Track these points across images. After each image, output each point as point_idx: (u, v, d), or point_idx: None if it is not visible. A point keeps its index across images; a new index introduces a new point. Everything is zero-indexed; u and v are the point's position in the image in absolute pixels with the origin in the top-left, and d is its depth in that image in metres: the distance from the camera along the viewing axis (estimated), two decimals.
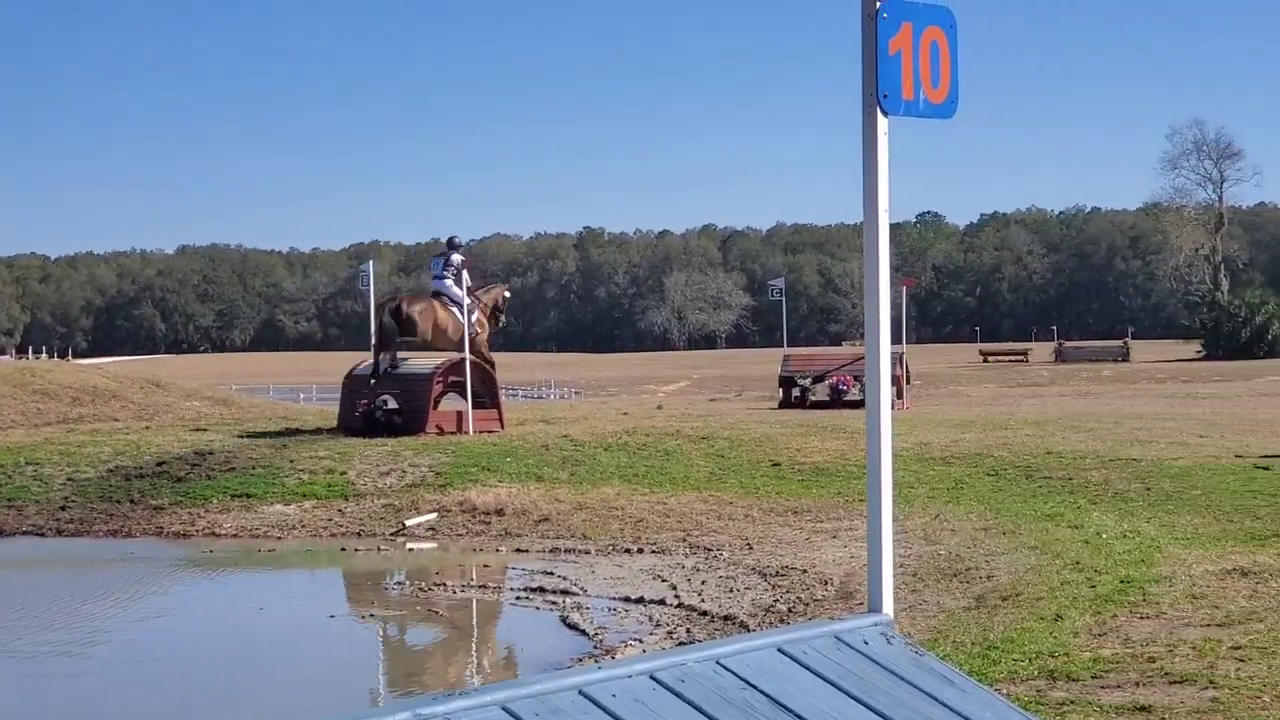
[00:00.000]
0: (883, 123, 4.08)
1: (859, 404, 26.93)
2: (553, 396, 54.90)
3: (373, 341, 24.45)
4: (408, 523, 18.06)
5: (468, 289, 25.08)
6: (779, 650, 3.68)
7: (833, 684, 3.62)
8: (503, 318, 27.34)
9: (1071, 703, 7.80)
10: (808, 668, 3.65)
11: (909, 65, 4.06)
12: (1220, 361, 67.86)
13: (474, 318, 24.79)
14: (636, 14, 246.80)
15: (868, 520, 4.20)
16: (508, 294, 27.74)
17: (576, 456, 21.21)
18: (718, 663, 3.54)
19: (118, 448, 22.49)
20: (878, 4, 3.98)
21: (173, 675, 11.69)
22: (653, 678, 3.42)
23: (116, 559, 17.06)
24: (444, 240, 27.00)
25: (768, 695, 3.49)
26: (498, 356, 27.14)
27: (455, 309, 24.66)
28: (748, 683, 3.51)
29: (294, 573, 16.81)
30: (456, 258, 25.54)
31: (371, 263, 29.49)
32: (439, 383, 24.75)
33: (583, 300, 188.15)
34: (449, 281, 25.07)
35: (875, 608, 4.06)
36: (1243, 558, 12.12)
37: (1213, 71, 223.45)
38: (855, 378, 30.63)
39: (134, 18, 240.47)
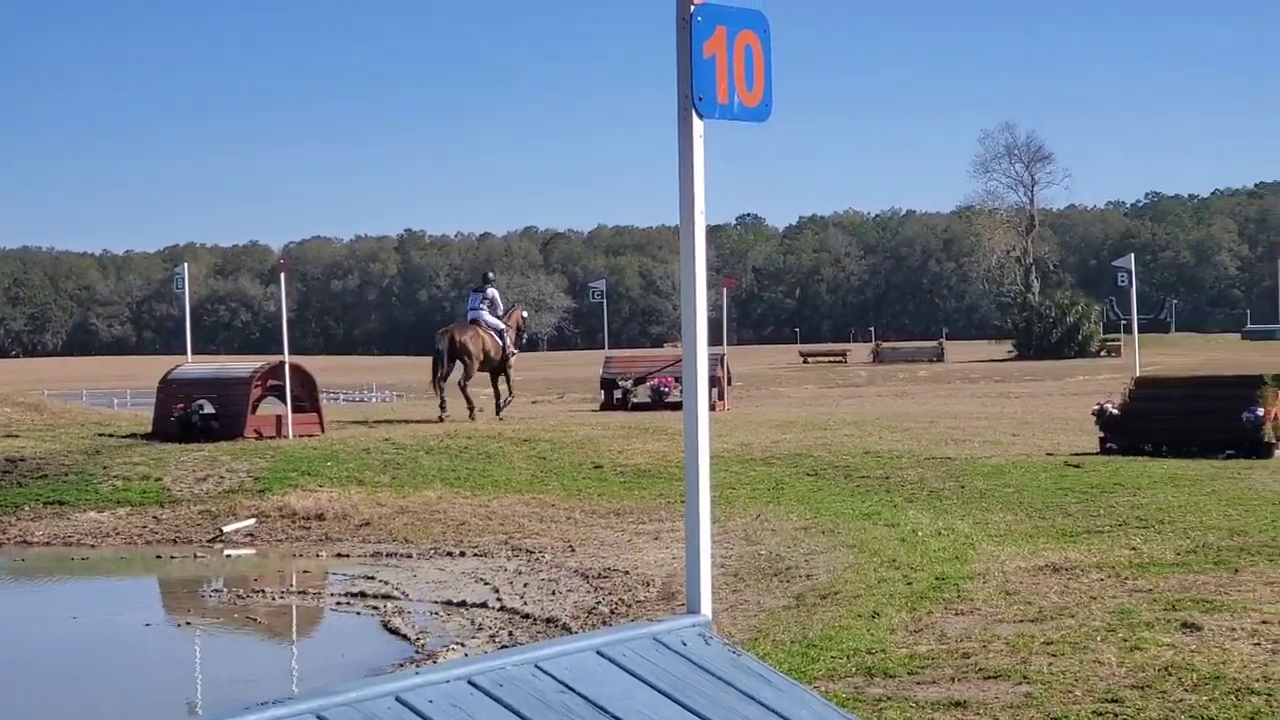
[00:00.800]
0: (698, 126, 4.11)
1: (680, 406, 27.03)
2: (374, 399, 54.44)
3: (432, 366, 28.13)
4: (225, 529, 17.77)
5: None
6: (597, 653, 3.68)
7: (651, 685, 3.63)
8: (524, 335, 31.25)
9: (888, 699, 7.91)
10: (626, 669, 3.66)
11: (723, 69, 4.08)
12: (1032, 361, 69.39)
13: (509, 339, 28.88)
14: (456, 18, 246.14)
15: (685, 523, 4.21)
16: (525, 314, 31.36)
17: (398, 460, 21.05)
18: (536, 666, 3.53)
19: None
20: (692, 8, 4.00)
21: None
22: (470, 682, 3.40)
23: None
24: (481, 276, 31.30)
25: (586, 698, 3.49)
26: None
27: (493, 333, 28.52)
28: (566, 686, 3.50)
29: (109, 581, 16.44)
30: (491, 291, 29.29)
31: (186, 265, 28.96)
32: (257, 386, 24.46)
33: (404, 303, 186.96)
34: (484, 312, 28.77)
35: (694, 609, 4.08)
36: (1054, 554, 12.39)
37: (1023, 76, 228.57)
38: (676, 379, 30.73)
39: None
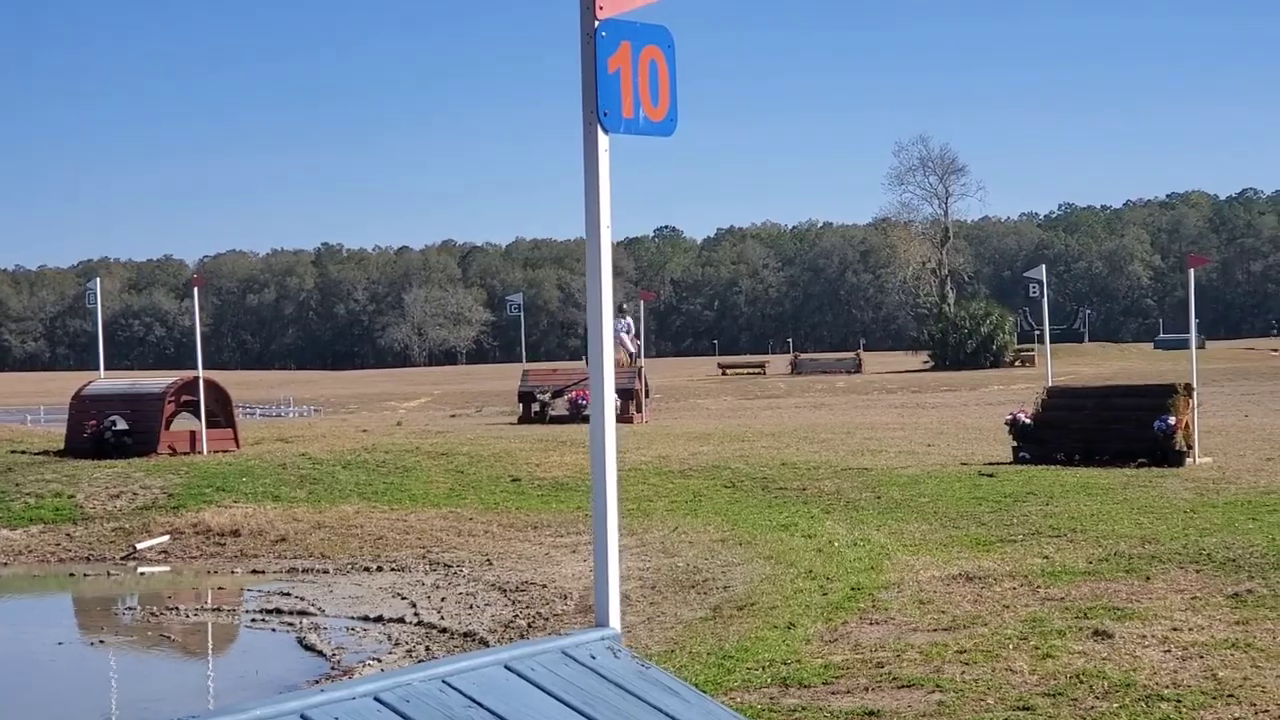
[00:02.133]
0: (603, 140, 4.12)
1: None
2: (291, 414, 54.08)
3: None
4: (139, 546, 17.59)
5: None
6: (506, 667, 3.68)
7: (559, 699, 3.63)
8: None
9: (803, 709, 7.94)
10: (534, 684, 3.65)
11: (628, 83, 4.10)
12: (948, 372, 69.85)
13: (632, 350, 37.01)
14: (371, 30, 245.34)
15: (594, 537, 4.22)
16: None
17: (314, 475, 20.93)
18: (444, 681, 3.52)
19: None
20: (596, 23, 4.01)
21: None
22: (377, 699, 3.38)
23: None
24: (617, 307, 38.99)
25: (494, 713, 3.48)
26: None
27: (621, 349, 35.65)
28: (474, 700, 3.49)
29: (21, 599, 16.23)
30: (629, 320, 38.10)
31: (99, 280, 28.66)
32: (171, 402, 24.26)
33: (321, 317, 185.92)
34: (621, 334, 36.53)
35: (602, 622, 4.08)
36: (968, 563, 12.48)
37: (937, 87, 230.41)
38: None
39: None
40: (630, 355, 36.06)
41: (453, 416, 41.41)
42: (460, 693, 3.51)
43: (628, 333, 37.29)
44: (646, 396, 33.57)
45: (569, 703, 3.62)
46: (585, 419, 30.89)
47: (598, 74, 4.00)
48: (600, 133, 4.10)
